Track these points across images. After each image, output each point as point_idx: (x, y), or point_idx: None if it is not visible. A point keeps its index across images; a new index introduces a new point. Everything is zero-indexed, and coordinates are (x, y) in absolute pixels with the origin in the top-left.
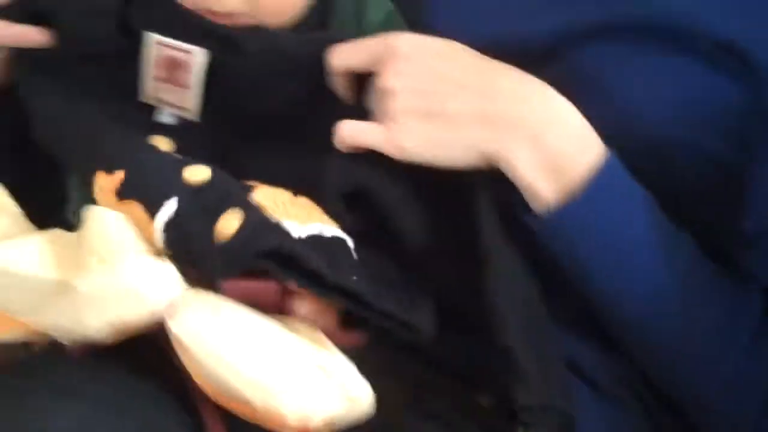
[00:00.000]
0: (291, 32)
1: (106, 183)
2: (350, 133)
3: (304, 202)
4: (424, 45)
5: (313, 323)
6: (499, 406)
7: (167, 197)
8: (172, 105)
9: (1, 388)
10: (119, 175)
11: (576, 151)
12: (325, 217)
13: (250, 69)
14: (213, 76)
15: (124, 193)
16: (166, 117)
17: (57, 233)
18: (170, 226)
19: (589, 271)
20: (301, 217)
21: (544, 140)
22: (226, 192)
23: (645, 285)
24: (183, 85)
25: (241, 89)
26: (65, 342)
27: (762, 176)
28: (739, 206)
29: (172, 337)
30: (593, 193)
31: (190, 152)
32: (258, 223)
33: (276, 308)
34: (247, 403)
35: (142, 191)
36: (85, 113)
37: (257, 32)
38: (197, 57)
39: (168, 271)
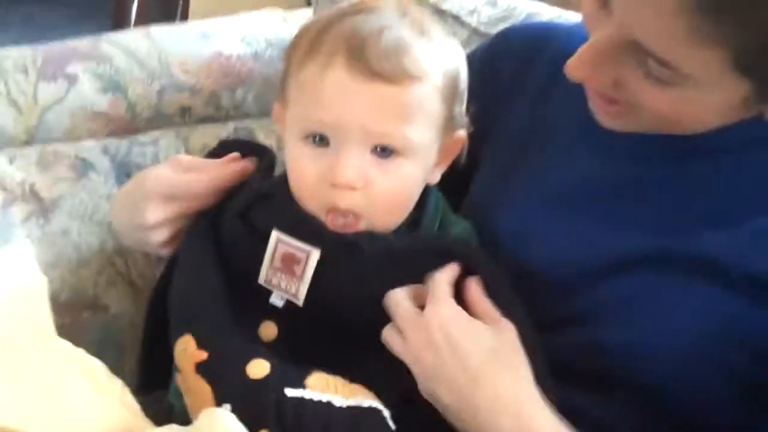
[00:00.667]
0: (397, 235)
1: (191, 351)
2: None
3: (356, 386)
4: (448, 333)
5: None
6: None
7: (225, 400)
8: (283, 291)
9: None
10: (204, 354)
11: None
12: (371, 396)
13: (361, 266)
14: (322, 271)
15: (200, 370)
16: (276, 300)
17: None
18: None
19: None
20: (347, 394)
21: None
22: (274, 392)
23: None
24: (296, 276)
25: (346, 285)
26: None
27: None
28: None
29: None
30: None
31: (293, 334)
32: None
33: None
34: None
35: (213, 380)
36: (211, 281)
37: (371, 235)
38: (312, 255)
39: None
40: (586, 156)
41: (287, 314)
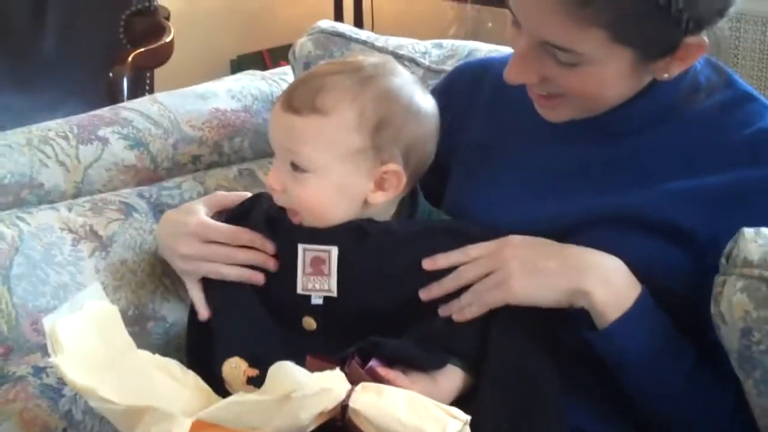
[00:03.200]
0: (396, 221)
1: (243, 368)
2: (475, 305)
3: None
4: (525, 239)
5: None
6: None
7: None
8: (319, 291)
9: None
10: (255, 371)
11: (627, 286)
12: None
13: (371, 248)
14: (343, 262)
15: (251, 382)
16: (316, 300)
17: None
18: None
19: (628, 359)
20: None
21: (608, 282)
22: None
23: (662, 363)
24: (325, 274)
25: (364, 267)
26: None
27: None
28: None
29: (351, 412)
30: (639, 309)
31: (329, 324)
32: None
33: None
34: None
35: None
36: (250, 305)
37: (371, 220)
38: (333, 251)
39: (340, 374)
40: (538, 146)
41: (323, 309)
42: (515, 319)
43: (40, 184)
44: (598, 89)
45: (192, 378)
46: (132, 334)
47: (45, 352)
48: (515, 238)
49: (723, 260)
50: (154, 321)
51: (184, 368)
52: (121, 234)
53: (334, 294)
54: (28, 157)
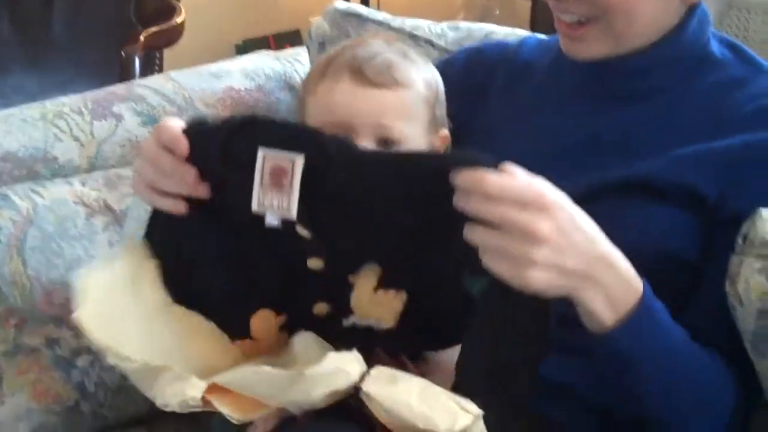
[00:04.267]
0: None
1: (270, 319)
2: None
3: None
4: (567, 203)
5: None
6: None
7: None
8: (276, 209)
9: None
10: (284, 317)
11: (628, 290)
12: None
13: (337, 176)
14: (310, 182)
15: (284, 329)
16: (272, 220)
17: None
18: None
19: (633, 365)
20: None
21: (614, 292)
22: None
23: (671, 362)
24: (285, 190)
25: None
26: (296, 412)
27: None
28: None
29: (363, 395)
30: (640, 314)
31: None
32: None
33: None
34: (416, 428)
35: (294, 330)
36: (265, 266)
37: (345, 143)
38: (297, 160)
39: (357, 356)
40: (549, 119)
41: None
42: None
43: (54, 158)
44: (630, 3)
45: (226, 339)
46: None
47: (58, 324)
48: (561, 209)
49: (739, 240)
50: None
51: (216, 328)
52: (134, 209)
53: (293, 217)
54: (42, 131)
